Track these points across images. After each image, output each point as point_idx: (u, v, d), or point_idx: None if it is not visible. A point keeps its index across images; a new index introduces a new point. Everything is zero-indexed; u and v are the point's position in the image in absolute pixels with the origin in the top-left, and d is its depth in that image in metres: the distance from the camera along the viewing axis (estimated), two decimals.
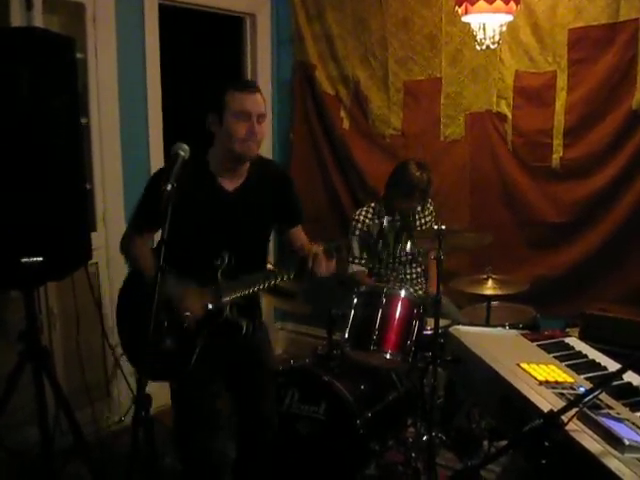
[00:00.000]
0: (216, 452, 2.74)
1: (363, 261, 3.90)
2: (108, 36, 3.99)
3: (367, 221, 3.97)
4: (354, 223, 4.01)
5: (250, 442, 2.92)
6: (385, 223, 2.54)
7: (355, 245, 2.56)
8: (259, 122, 2.52)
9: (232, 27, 5.10)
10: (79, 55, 3.59)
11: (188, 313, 2.49)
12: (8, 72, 2.65)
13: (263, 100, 2.56)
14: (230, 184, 2.64)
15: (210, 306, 2.51)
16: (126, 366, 3.70)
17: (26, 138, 2.69)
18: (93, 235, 3.29)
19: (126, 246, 2.75)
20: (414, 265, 4.12)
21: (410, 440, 3.54)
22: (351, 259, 4.00)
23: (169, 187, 2.08)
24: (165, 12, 4.39)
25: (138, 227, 2.71)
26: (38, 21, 3.56)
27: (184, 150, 2.26)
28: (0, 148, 2.66)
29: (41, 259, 2.73)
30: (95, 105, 3.95)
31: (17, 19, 3.50)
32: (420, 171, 3.84)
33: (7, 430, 3.17)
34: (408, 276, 4.09)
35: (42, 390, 2.98)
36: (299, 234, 2.90)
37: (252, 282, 2.58)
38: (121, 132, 4.10)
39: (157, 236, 2.38)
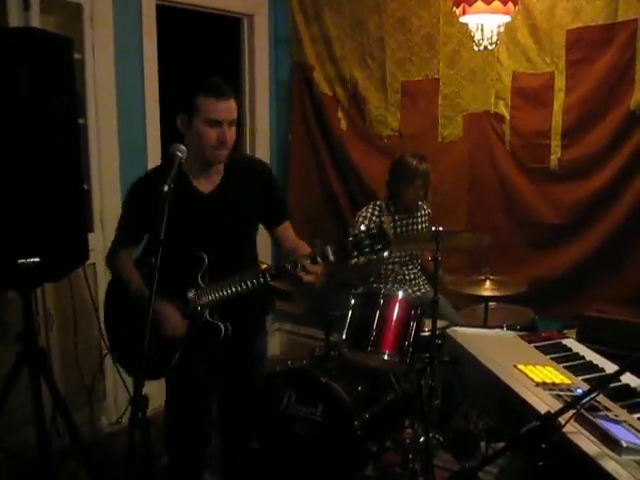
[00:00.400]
0: (194, 432, 2.77)
1: (367, 250, 3.90)
2: (106, 37, 3.98)
3: (374, 218, 3.98)
4: (360, 219, 3.99)
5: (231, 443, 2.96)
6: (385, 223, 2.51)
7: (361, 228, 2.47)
8: (229, 127, 2.48)
9: (230, 28, 5.10)
10: (77, 55, 3.59)
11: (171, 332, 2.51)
12: (6, 72, 2.65)
13: (235, 104, 2.51)
14: (205, 186, 2.60)
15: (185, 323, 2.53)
16: None
17: (24, 138, 2.69)
18: (90, 236, 3.30)
19: (112, 262, 2.75)
20: (410, 266, 4.11)
21: (408, 441, 3.54)
22: (355, 254, 3.99)
23: (166, 188, 2.09)
24: (163, 13, 4.39)
25: (122, 242, 2.71)
26: (35, 21, 3.56)
27: (181, 151, 2.28)
28: None
29: (38, 260, 2.74)
30: (93, 105, 3.95)
31: (15, 19, 3.50)
32: (417, 159, 3.88)
33: (5, 431, 3.17)
34: (407, 277, 4.09)
35: (39, 391, 2.98)
36: (286, 232, 2.83)
37: (230, 284, 2.52)
38: (119, 133, 4.09)
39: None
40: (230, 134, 2.48)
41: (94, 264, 3.87)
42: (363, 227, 2.39)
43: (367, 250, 2.37)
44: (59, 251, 2.83)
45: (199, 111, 2.44)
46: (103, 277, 3.98)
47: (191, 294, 2.54)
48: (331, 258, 2.41)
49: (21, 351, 2.96)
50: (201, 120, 2.44)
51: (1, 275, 2.80)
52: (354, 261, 2.68)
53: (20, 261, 2.70)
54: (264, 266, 2.85)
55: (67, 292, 3.54)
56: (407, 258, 4.07)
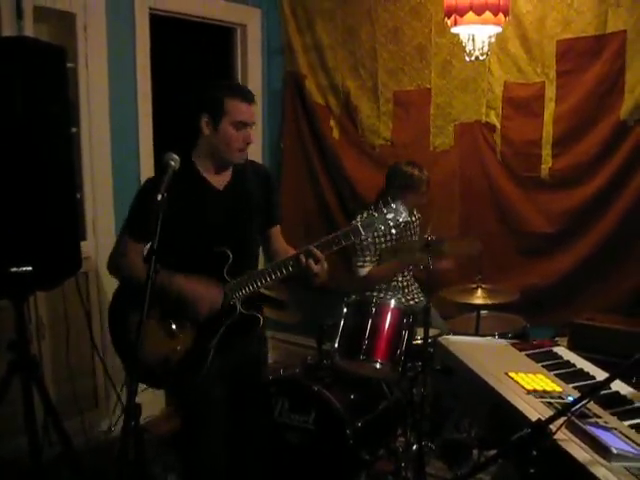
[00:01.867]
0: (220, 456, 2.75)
1: (374, 259, 3.93)
2: (99, 45, 3.99)
3: None
4: None
5: (238, 453, 2.89)
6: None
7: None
8: (250, 130, 2.61)
9: (223, 37, 5.12)
10: (70, 64, 3.59)
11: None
12: None
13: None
14: (218, 182, 2.67)
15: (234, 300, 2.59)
16: (115, 376, 3.70)
17: (17, 147, 2.69)
18: (83, 244, 3.30)
19: (118, 261, 2.68)
20: (405, 273, 4.12)
21: (400, 449, 3.55)
22: (361, 260, 4.01)
23: (159, 197, 2.09)
24: (156, 22, 4.40)
25: (133, 238, 2.64)
26: (29, 30, 3.56)
27: (174, 160, 2.27)
28: None
29: (31, 268, 2.73)
30: (86, 114, 3.95)
31: (8, 28, 3.50)
32: (417, 168, 3.90)
33: None
34: (400, 284, 4.09)
35: (31, 400, 2.97)
36: (277, 235, 2.92)
37: (259, 275, 2.61)
38: (111, 141, 4.10)
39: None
40: (252, 135, 2.62)
41: (87, 273, 3.87)
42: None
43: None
44: (52, 260, 2.82)
45: (227, 113, 2.52)
46: (95, 286, 4.00)
47: (226, 289, 2.58)
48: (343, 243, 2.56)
49: (13, 359, 2.95)
50: (229, 122, 2.52)
51: None
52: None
53: (13, 269, 2.70)
54: None
55: (59, 301, 3.53)
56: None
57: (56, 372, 3.85)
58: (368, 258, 3.94)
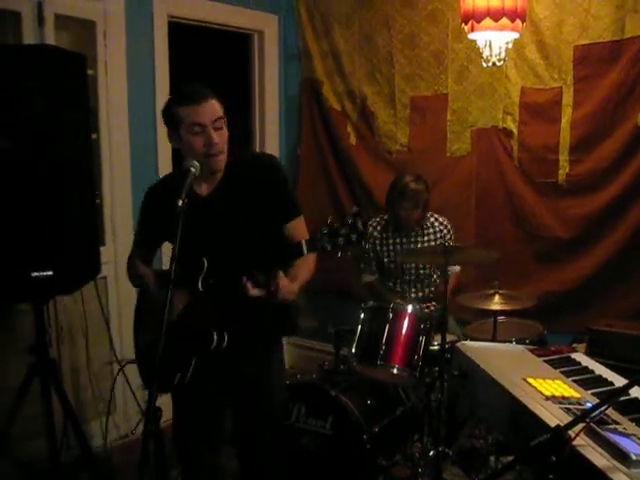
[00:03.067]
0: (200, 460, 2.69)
1: (373, 269, 3.97)
2: (118, 52, 4.03)
3: (375, 233, 4.09)
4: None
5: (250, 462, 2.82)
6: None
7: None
8: (216, 128, 2.38)
9: (240, 44, 5.15)
10: (90, 71, 3.63)
11: None
12: (21, 88, 2.70)
13: (217, 102, 2.40)
14: (204, 188, 2.51)
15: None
16: (133, 380, 3.72)
17: (38, 153, 2.73)
18: (102, 249, 3.33)
19: (128, 267, 2.72)
20: (419, 286, 4.12)
21: (417, 455, 3.54)
22: (362, 267, 4.08)
23: (180, 203, 2.10)
24: (174, 29, 4.45)
25: (138, 253, 2.70)
26: (50, 38, 3.61)
27: (194, 166, 2.28)
28: (12, 163, 2.70)
29: (51, 273, 2.77)
30: (105, 120, 3.99)
31: (29, 36, 3.55)
32: (413, 180, 3.90)
33: (16, 441, 3.18)
34: (413, 295, 4.10)
35: (50, 402, 3.01)
36: (296, 228, 2.62)
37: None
38: (130, 147, 4.13)
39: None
40: (218, 135, 2.38)
41: (105, 277, 3.90)
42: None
43: (341, 240, 2.25)
44: (72, 264, 2.86)
45: (181, 121, 2.37)
46: (114, 290, 4.03)
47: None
48: (305, 251, 2.28)
49: (33, 362, 2.99)
50: (185, 129, 2.37)
51: (15, 288, 2.84)
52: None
53: (34, 274, 2.74)
54: None
55: (79, 305, 3.56)
56: (413, 277, 4.09)
57: (75, 375, 3.88)
58: (367, 267, 4.12)
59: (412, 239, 4.05)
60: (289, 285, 2.39)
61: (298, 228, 2.62)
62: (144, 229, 2.69)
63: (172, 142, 2.48)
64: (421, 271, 4.08)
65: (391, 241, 4.06)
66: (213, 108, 2.38)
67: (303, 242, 2.26)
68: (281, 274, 2.34)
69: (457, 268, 4.07)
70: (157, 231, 2.58)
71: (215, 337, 2.41)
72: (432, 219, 4.10)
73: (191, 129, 2.35)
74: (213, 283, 2.39)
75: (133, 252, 2.73)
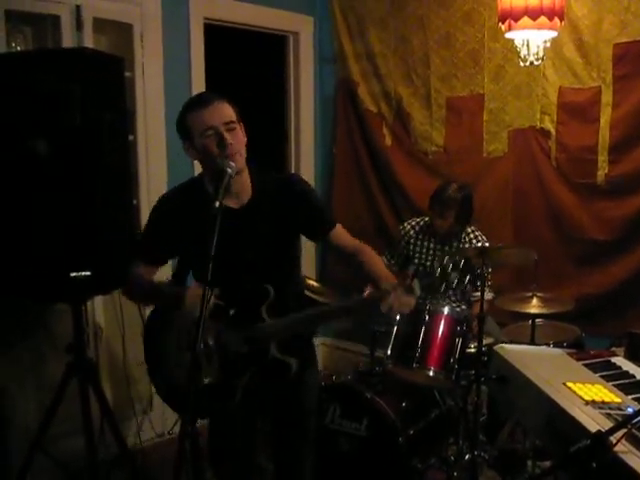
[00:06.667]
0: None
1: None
2: (155, 55, 4.08)
3: (411, 232, 4.10)
4: (399, 230, 4.21)
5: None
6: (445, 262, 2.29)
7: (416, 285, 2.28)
8: (229, 130, 2.30)
9: (276, 45, 5.17)
10: (127, 73, 3.66)
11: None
12: (59, 91, 2.73)
13: (227, 106, 2.33)
14: (235, 202, 2.41)
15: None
16: None
17: (76, 154, 2.76)
18: None
19: (131, 281, 2.56)
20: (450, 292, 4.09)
21: (452, 458, 3.52)
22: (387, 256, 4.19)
23: (217, 204, 2.08)
24: (210, 31, 4.48)
25: (141, 261, 2.54)
26: (88, 41, 3.67)
27: (231, 167, 2.23)
28: (51, 164, 2.74)
29: (89, 273, 2.80)
30: (142, 122, 4.04)
31: (68, 39, 3.61)
32: (456, 189, 3.87)
33: (54, 440, 3.22)
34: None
35: (88, 401, 3.04)
36: (341, 237, 2.60)
37: (300, 320, 2.39)
38: (167, 149, 4.17)
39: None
40: (232, 136, 2.30)
41: None
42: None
43: (454, 284, 2.20)
44: (109, 265, 2.88)
45: (193, 129, 2.32)
46: None
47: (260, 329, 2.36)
48: (417, 292, 2.24)
49: (71, 362, 3.03)
50: (197, 136, 2.31)
51: (54, 288, 2.88)
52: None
53: (72, 274, 2.77)
54: (311, 282, 2.80)
55: (116, 305, 3.60)
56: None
57: (112, 375, 3.92)
58: (392, 260, 4.18)
59: (446, 248, 4.01)
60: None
61: (343, 235, 2.62)
62: (152, 241, 2.53)
63: (190, 155, 2.42)
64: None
65: (426, 243, 4.04)
66: (222, 110, 2.32)
67: (415, 282, 2.23)
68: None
69: (489, 295, 3.89)
70: (166, 244, 2.46)
71: (293, 365, 2.38)
72: (472, 235, 4.03)
73: (203, 134, 2.30)
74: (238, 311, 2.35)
75: (136, 265, 2.54)
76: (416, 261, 4.05)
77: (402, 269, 4.17)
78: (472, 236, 4.02)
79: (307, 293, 2.68)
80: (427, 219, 4.09)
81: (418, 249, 4.05)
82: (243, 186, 2.42)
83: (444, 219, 3.89)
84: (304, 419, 2.66)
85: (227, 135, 2.28)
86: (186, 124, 2.35)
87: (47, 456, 3.12)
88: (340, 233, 2.60)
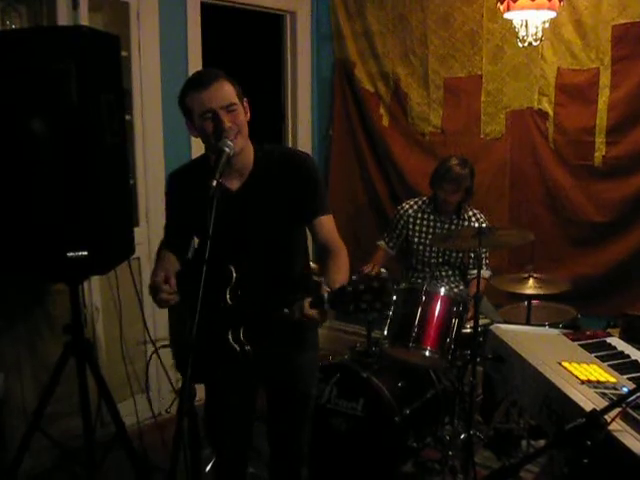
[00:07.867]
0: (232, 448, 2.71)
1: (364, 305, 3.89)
2: (152, 34, 4.05)
3: (410, 211, 4.11)
4: (396, 211, 4.21)
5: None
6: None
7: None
8: (229, 112, 2.28)
9: (273, 24, 5.14)
10: (123, 53, 3.64)
11: None
12: (55, 70, 2.70)
13: (228, 85, 2.30)
14: (233, 183, 2.41)
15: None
16: (167, 360, 3.76)
17: (72, 134, 2.74)
18: (135, 230, 3.34)
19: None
20: (446, 267, 4.11)
21: (447, 438, 3.54)
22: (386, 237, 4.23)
23: (214, 183, 2.07)
24: (207, 9, 4.45)
25: (168, 238, 2.63)
26: (84, 19, 3.64)
27: (229, 146, 2.22)
28: (48, 143, 2.72)
29: (86, 253, 2.79)
30: (139, 102, 4.02)
31: (64, 18, 3.58)
32: (459, 164, 3.89)
33: (51, 420, 3.23)
34: (442, 273, 4.09)
35: (85, 382, 3.05)
36: (324, 229, 2.48)
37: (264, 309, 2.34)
38: (163, 128, 4.16)
39: None
40: (230, 117, 2.28)
41: (139, 258, 3.94)
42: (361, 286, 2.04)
43: (364, 306, 2.03)
44: (106, 245, 2.88)
45: (192, 110, 2.31)
46: (148, 271, 4.04)
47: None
48: (325, 306, 2.11)
49: (68, 342, 3.03)
50: (197, 117, 2.31)
51: (51, 268, 2.88)
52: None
53: (69, 254, 2.76)
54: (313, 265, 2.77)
55: (113, 285, 3.60)
56: (440, 260, 4.08)
57: (110, 355, 3.93)
58: (390, 241, 4.22)
59: (446, 225, 4.02)
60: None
61: (326, 226, 2.49)
62: (172, 217, 2.62)
63: (191, 133, 2.41)
64: (447, 256, 4.07)
65: (425, 222, 4.04)
66: (222, 93, 2.29)
67: (325, 296, 2.10)
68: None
69: (486, 274, 4.00)
70: (185, 220, 2.47)
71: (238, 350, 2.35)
72: (470, 213, 4.06)
73: (202, 116, 2.29)
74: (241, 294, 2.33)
75: (162, 242, 2.64)
76: (416, 240, 4.05)
77: (402, 253, 4.19)
78: (473, 218, 4.03)
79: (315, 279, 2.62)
80: (425, 198, 4.10)
81: (418, 228, 4.05)
82: (245, 164, 2.42)
83: (453, 194, 3.92)
84: (298, 403, 2.67)
85: (226, 118, 2.27)
86: (186, 103, 2.35)
87: (45, 436, 3.12)
88: (325, 225, 2.49)
